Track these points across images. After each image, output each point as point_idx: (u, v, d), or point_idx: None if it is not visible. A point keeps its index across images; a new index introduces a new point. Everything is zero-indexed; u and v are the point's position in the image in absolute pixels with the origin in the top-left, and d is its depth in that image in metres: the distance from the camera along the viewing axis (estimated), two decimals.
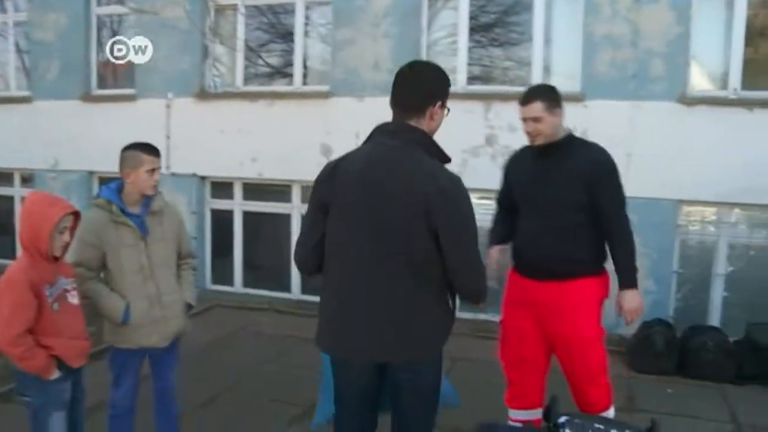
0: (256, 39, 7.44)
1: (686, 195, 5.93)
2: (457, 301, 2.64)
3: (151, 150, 3.30)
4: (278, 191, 7.38)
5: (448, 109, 2.60)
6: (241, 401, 4.59)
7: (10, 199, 8.55)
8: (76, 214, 2.96)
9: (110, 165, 7.58)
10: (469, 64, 6.58)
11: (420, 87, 2.56)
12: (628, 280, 3.30)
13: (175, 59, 7.34)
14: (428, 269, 2.46)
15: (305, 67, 7.19)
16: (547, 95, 3.27)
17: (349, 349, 2.57)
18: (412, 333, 2.48)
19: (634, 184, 5.67)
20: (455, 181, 2.46)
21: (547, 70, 6.31)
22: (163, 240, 3.33)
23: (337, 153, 7.61)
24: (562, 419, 2.63)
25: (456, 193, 2.44)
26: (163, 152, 7.23)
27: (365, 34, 6.69)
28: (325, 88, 6.94)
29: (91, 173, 7.97)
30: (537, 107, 3.21)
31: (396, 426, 2.68)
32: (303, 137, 6.87)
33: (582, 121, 5.54)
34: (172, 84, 7.39)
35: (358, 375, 2.62)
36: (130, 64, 7.64)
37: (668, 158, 5.81)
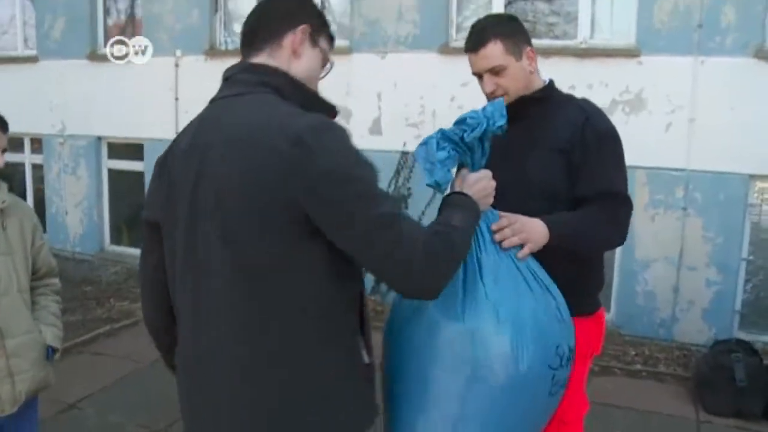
0: None
1: (760, 169, 5.03)
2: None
3: None
4: None
5: (331, 64, 1.66)
6: None
7: (21, 166, 8.08)
8: None
9: (118, 130, 7.19)
10: None
11: (272, 4, 1.64)
12: (556, 225, 1.90)
13: (183, 13, 6.74)
14: (313, 292, 1.45)
15: None
16: (506, 30, 2.07)
17: None
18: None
19: (697, 155, 4.97)
20: (326, 126, 1.43)
21: (595, 19, 5.42)
22: (8, 253, 2.27)
23: (357, 116, 6.68)
24: None
25: (329, 143, 1.40)
26: (171, 115, 6.88)
27: None
28: (344, 43, 6.16)
29: (99, 139, 7.45)
30: (494, 51, 2.03)
31: None
32: None
33: (637, 80, 4.87)
34: (180, 40, 6.77)
35: None
36: (137, 20, 7.19)
37: (739, 125, 4.92)
